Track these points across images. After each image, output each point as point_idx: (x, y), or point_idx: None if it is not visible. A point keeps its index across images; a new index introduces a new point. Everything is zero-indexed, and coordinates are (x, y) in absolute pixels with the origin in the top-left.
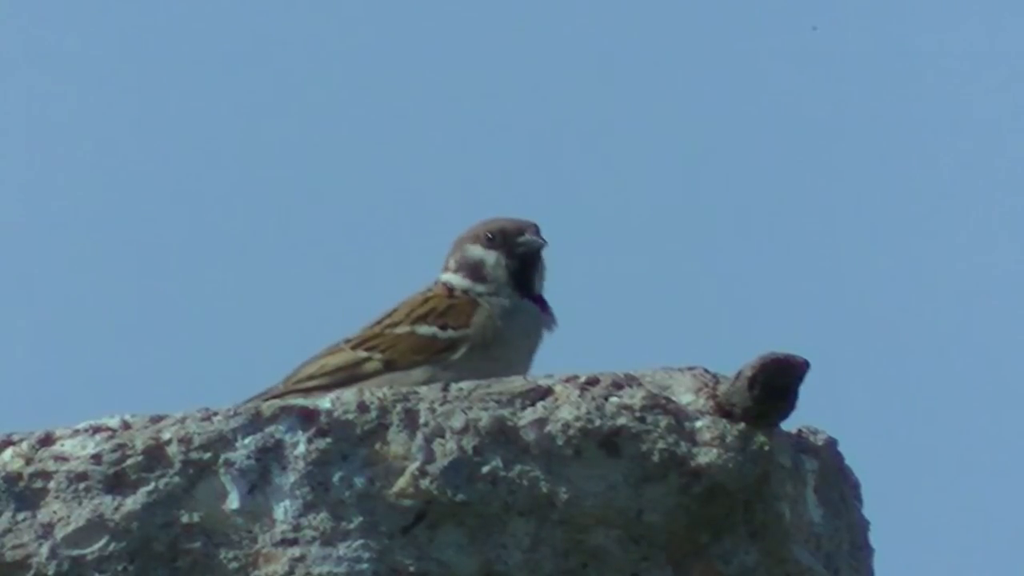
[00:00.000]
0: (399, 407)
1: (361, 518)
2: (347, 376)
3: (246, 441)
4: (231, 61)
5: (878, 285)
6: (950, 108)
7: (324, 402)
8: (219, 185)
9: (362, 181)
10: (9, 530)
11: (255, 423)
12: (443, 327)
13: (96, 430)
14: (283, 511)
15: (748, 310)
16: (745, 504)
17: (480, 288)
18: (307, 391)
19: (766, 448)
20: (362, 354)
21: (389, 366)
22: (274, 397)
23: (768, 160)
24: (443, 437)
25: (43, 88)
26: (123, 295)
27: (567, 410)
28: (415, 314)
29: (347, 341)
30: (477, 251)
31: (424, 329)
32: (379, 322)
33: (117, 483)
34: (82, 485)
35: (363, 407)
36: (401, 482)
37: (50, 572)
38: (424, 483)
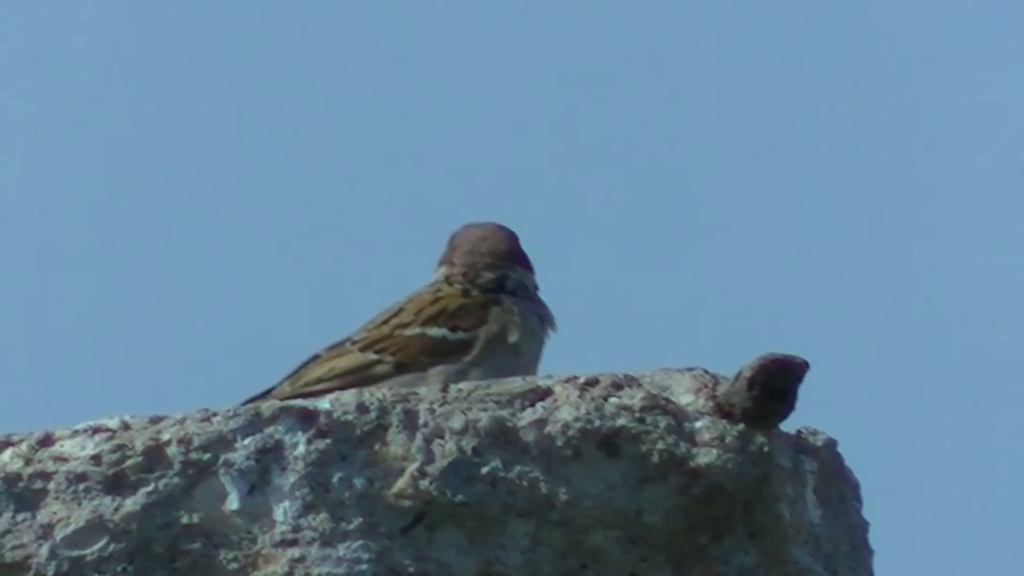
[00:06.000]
0: (398, 408)
1: (360, 519)
2: (357, 379)
3: (246, 442)
4: (232, 61)
5: (878, 285)
6: (950, 108)
7: (323, 403)
8: (219, 185)
9: (361, 181)
10: (8, 531)
11: (255, 424)
12: (453, 329)
13: (96, 431)
14: (283, 512)
15: (748, 310)
16: (744, 505)
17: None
18: (316, 395)
19: (765, 449)
20: (372, 356)
21: (400, 368)
22: (282, 399)
23: (768, 160)
24: (442, 438)
25: (43, 88)
26: (123, 295)
27: (566, 411)
28: (425, 314)
29: (353, 342)
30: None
31: (435, 331)
32: (386, 322)
33: (117, 484)
34: (81, 486)
35: (362, 408)
36: (400, 483)
37: (49, 573)
38: (423, 484)
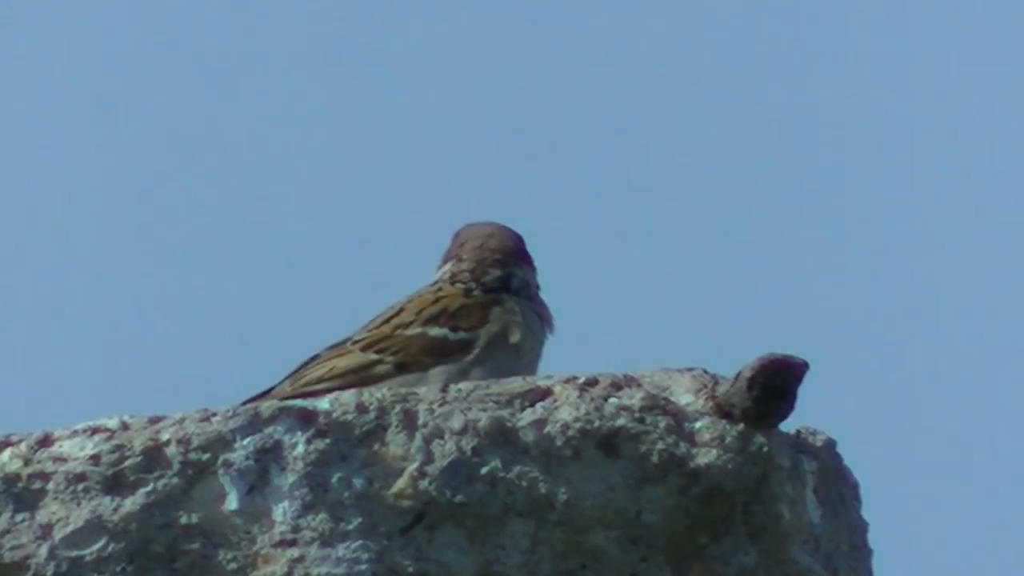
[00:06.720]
0: (398, 408)
1: (360, 519)
2: (358, 379)
3: (245, 442)
4: (232, 61)
5: (878, 285)
6: (949, 108)
7: (323, 403)
8: (219, 185)
9: (361, 181)
10: (8, 531)
11: (254, 424)
12: (454, 329)
13: (95, 431)
14: (282, 512)
15: (748, 310)
16: (744, 505)
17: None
18: (317, 395)
19: (765, 449)
20: (372, 356)
21: (401, 369)
22: (282, 399)
23: (768, 160)
24: (442, 438)
25: (44, 87)
26: (123, 295)
27: (566, 411)
28: (426, 314)
29: (354, 342)
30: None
31: (435, 331)
32: (387, 321)
33: (116, 484)
34: (81, 486)
35: (362, 408)
36: (400, 483)
37: (49, 573)
38: (423, 484)
